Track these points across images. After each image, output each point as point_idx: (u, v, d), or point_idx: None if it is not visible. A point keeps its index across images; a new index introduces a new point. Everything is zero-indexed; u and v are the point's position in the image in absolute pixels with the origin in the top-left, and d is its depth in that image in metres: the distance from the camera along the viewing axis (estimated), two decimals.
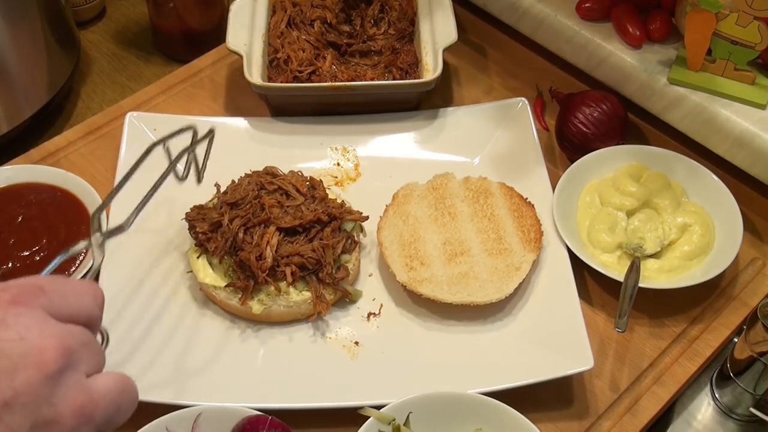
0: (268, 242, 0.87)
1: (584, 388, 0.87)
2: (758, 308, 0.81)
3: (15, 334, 0.44)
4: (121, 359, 0.84)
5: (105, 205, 0.74)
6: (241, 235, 0.88)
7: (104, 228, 0.73)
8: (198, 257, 0.89)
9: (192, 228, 0.90)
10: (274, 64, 1.09)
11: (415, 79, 1.08)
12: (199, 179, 0.91)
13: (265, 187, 0.92)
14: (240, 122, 1.07)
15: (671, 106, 1.02)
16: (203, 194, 0.94)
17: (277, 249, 0.87)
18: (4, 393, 0.42)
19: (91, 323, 0.50)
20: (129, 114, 1.05)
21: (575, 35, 1.08)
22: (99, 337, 0.56)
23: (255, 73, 1.03)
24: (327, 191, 0.94)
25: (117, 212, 0.92)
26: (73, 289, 0.50)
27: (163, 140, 0.83)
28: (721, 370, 0.91)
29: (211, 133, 0.90)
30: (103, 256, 0.72)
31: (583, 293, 0.93)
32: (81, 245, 0.71)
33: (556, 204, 0.96)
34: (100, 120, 1.10)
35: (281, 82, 1.06)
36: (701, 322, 0.93)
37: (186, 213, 0.91)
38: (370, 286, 0.93)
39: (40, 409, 0.44)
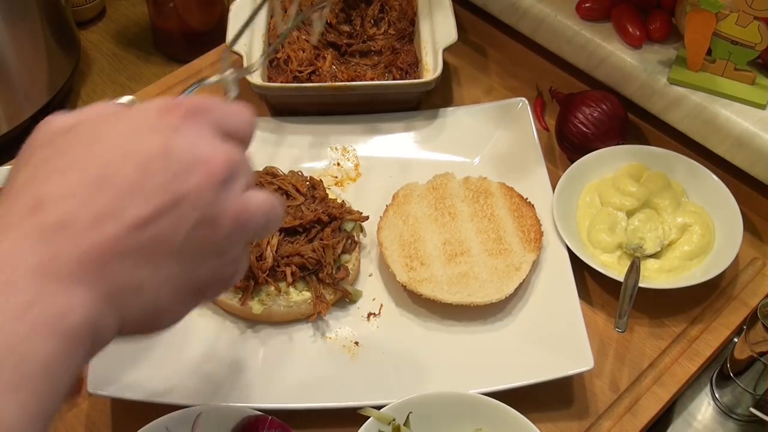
0: (268, 242, 0.87)
1: (584, 388, 0.87)
2: (758, 308, 0.81)
3: (188, 142, 0.49)
4: (122, 359, 0.84)
5: (231, 45, 0.78)
6: None
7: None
8: None
9: None
10: (274, 64, 1.09)
11: (415, 79, 1.08)
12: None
13: (264, 187, 0.92)
14: None
15: (671, 106, 1.02)
16: None
17: (277, 249, 0.87)
18: (177, 191, 0.48)
19: (246, 143, 0.55)
20: None
21: (575, 35, 1.08)
22: None
23: (255, 73, 1.03)
24: (327, 191, 0.94)
25: None
26: (233, 110, 0.54)
27: None
28: (721, 370, 0.91)
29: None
30: (238, 92, 0.75)
31: (583, 293, 0.93)
32: (213, 78, 0.76)
33: (556, 204, 0.96)
34: None
35: (281, 82, 1.06)
36: (701, 322, 0.93)
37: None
38: (370, 286, 0.93)
39: (205, 210, 0.49)
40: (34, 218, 0.45)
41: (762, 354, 0.83)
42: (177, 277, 0.50)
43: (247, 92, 1.08)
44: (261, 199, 0.53)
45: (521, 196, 0.97)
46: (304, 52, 1.08)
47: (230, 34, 1.07)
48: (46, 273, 0.44)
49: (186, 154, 0.49)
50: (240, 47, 1.06)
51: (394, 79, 1.08)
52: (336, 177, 1.03)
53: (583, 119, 1.02)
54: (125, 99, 0.75)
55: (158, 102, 0.50)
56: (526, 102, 1.06)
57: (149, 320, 0.52)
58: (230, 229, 0.51)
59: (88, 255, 0.45)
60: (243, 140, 0.54)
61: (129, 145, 0.48)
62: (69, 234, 0.45)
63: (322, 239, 0.89)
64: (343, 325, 0.90)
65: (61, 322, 0.44)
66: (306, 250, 0.87)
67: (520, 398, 0.80)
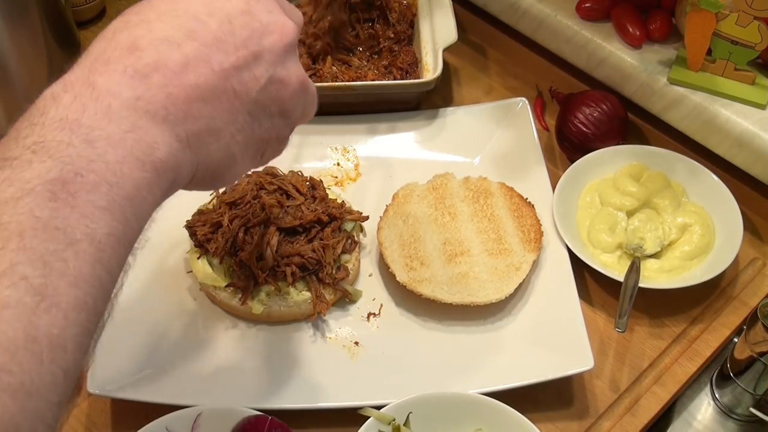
0: (268, 242, 0.87)
1: (584, 388, 0.87)
2: (758, 308, 0.81)
3: (265, 7, 0.56)
4: (122, 359, 0.84)
5: None
6: (241, 235, 0.88)
7: None
8: (198, 258, 0.89)
9: (193, 234, 0.90)
10: None
11: (415, 79, 1.08)
12: None
13: (264, 187, 0.92)
14: None
15: (671, 106, 1.02)
16: (204, 195, 0.94)
17: (277, 249, 0.87)
18: (256, 47, 0.54)
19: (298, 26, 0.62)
20: None
21: (575, 35, 1.08)
22: None
23: None
24: (327, 191, 0.94)
25: None
26: (290, 7, 0.62)
27: None
28: (721, 370, 0.91)
29: None
30: None
31: (583, 293, 0.93)
32: None
33: (556, 204, 0.96)
34: None
35: None
36: (701, 322, 0.93)
37: (186, 221, 0.91)
38: (370, 286, 0.93)
39: (277, 68, 0.56)
40: (129, 57, 0.50)
41: (762, 354, 0.83)
42: (249, 127, 0.56)
43: None
44: (312, 85, 0.61)
45: (521, 196, 0.97)
46: (300, 57, 1.08)
47: None
48: (138, 108, 0.49)
49: (264, 15, 0.56)
50: None
51: (394, 79, 1.08)
52: (336, 177, 1.03)
53: (583, 119, 1.02)
54: None
55: None
56: (526, 102, 1.06)
57: (220, 168, 0.56)
58: (295, 90, 0.58)
59: (175, 97, 0.50)
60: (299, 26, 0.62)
61: (214, 3, 0.54)
62: (160, 75, 0.50)
63: (322, 239, 0.89)
64: (343, 325, 0.90)
65: (150, 154, 0.48)
66: (306, 250, 0.87)
67: (520, 398, 0.80)
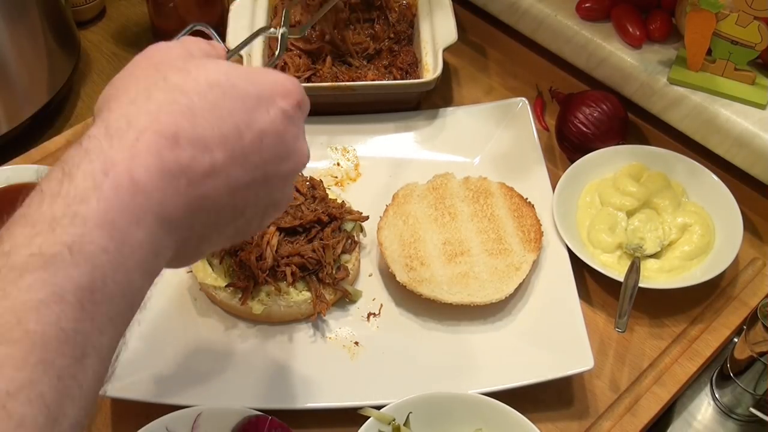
0: (268, 242, 0.87)
1: (584, 388, 0.87)
2: (758, 308, 0.81)
3: (295, 132, 0.58)
4: (122, 359, 0.83)
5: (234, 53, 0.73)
6: None
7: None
8: None
9: None
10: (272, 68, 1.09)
11: (415, 79, 1.08)
12: None
13: None
14: None
15: (671, 106, 1.02)
16: None
17: (277, 249, 0.87)
18: (271, 172, 0.55)
19: None
20: None
21: (575, 35, 1.08)
22: None
23: None
24: (327, 191, 0.94)
25: None
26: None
27: None
28: (721, 370, 0.91)
29: None
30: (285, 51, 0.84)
31: (583, 293, 0.93)
32: (271, 30, 0.83)
33: (556, 204, 0.96)
34: None
35: None
36: (701, 322, 0.93)
37: None
38: (370, 286, 0.93)
39: (276, 192, 0.58)
40: (169, 152, 0.48)
41: (762, 354, 0.83)
42: (232, 235, 0.57)
43: None
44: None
45: (521, 196, 0.97)
46: (300, 58, 1.08)
47: (230, 35, 1.07)
48: (160, 215, 0.48)
49: (291, 142, 0.57)
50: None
51: (394, 79, 1.08)
52: (336, 177, 1.03)
53: (583, 119, 1.02)
54: (271, 30, 0.84)
55: (282, 77, 0.57)
56: (526, 102, 1.06)
57: (191, 257, 0.57)
58: (281, 209, 0.62)
59: (189, 205, 0.50)
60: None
61: (254, 114, 0.53)
62: (186, 180, 0.49)
63: (322, 239, 0.89)
64: (343, 325, 0.90)
65: (155, 264, 0.50)
66: (306, 250, 0.87)
67: (520, 398, 0.80)
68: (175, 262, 0.54)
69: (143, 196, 0.46)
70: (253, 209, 0.55)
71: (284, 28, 0.79)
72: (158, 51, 0.57)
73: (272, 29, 0.79)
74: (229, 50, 0.65)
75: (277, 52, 0.79)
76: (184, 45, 0.58)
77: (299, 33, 0.98)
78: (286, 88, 0.55)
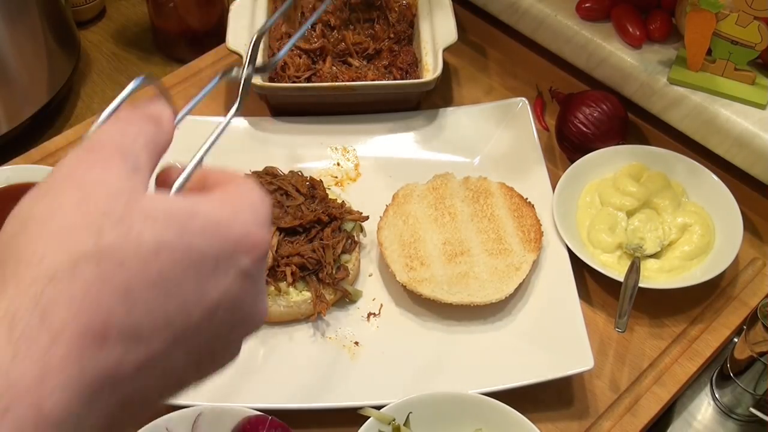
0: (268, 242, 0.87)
1: (584, 388, 0.87)
2: (758, 308, 0.81)
3: (255, 289, 0.44)
4: None
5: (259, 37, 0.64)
6: None
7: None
8: None
9: None
10: (271, 68, 1.09)
11: (415, 79, 1.08)
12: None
13: (264, 187, 0.92)
14: (240, 122, 1.06)
15: (671, 106, 1.02)
16: None
17: (277, 249, 0.87)
18: (220, 347, 0.43)
19: None
20: None
21: (575, 35, 1.08)
22: None
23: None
24: (327, 191, 0.94)
25: None
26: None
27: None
28: (721, 370, 0.91)
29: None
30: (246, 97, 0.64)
31: (583, 293, 0.93)
32: (234, 71, 0.63)
33: (556, 204, 0.96)
34: None
35: None
36: (701, 322, 0.93)
37: None
38: (370, 286, 0.93)
39: (234, 350, 0.46)
40: (91, 356, 0.36)
41: (762, 354, 0.83)
42: (187, 373, 0.44)
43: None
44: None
45: (521, 196, 0.97)
46: (300, 57, 1.08)
47: (230, 35, 1.07)
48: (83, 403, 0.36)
49: (249, 303, 0.43)
50: (240, 47, 1.06)
51: (394, 79, 1.08)
52: (336, 177, 1.03)
53: (583, 119, 1.02)
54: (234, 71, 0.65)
55: (242, 226, 0.42)
56: (526, 102, 1.06)
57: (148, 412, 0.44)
58: (257, 321, 0.47)
59: (111, 415, 0.38)
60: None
61: (207, 284, 0.40)
62: (109, 390, 0.37)
63: (322, 239, 0.89)
64: (343, 325, 0.90)
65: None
66: (306, 250, 0.87)
67: (520, 398, 0.80)
68: None
69: (53, 430, 0.35)
70: (193, 378, 0.43)
71: (249, 69, 0.64)
72: (90, 171, 0.39)
73: (234, 70, 0.63)
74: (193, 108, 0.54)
75: (236, 104, 0.61)
76: (125, 147, 0.42)
77: (268, 68, 0.85)
78: (252, 242, 0.43)
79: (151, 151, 0.44)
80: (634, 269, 0.89)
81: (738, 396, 0.89)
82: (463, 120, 1.08)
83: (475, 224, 0.95)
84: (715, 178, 0.99)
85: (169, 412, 0.77)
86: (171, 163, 0.47)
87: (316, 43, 1.09)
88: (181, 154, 0.47)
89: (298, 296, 0.87)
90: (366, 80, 1.07)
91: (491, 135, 1.06)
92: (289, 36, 1.09)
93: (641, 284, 0.88)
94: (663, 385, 0.87)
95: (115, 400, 0.38)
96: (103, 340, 0.36)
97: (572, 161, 1.01)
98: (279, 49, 1.09)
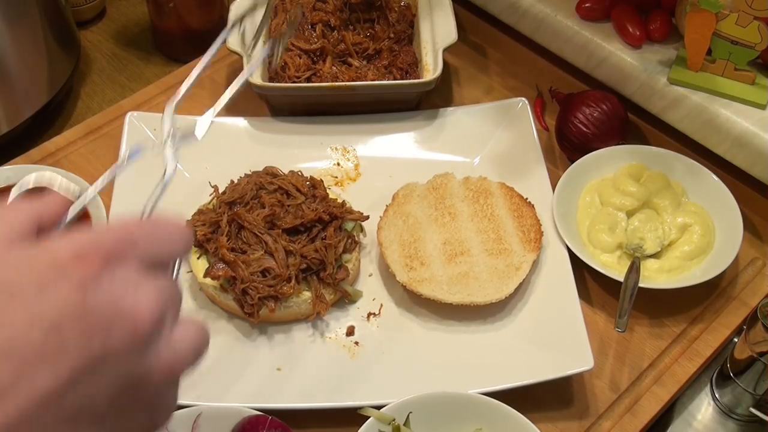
0: (274, 251, 0.87)
1: (584, 388, 0.87)
2: (758, 308, 0.81)
3: (108, 295, 0.41)
4: None
5: (179, 102, 0.60)
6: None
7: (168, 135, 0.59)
8: (198, 258, 0.89)
9: (192, 234, 0.90)
10: (271, 69, 1.09)
11: (415, 79, 1.08)
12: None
13: (264, 187, 0.92)
14: (240, 122, 1.07)
15: (671, 106, 1.02)
16: (205, 195, 0.95)
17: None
18: (94, 355, 0.41)
19: (178, 262, 0.50)
20: (129, 114, 1.05)
21: (575, 35, 1.08)
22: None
23: (255, 74, 1.03)
24: (327, 191, 0.94)
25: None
26: (164, 236, 0.47)
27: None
28: (721, 370, 0.91)
29: None
30: (175, 167, 0.58)
31: (583, 293, 0.93)
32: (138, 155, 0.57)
33: (556, 204, 0.96)
34: (100, 120, 1.10)
35: None
36: (701, 322, 0.93)
37: (186, 221, 0.91)
38: (370, 286, 0.93)
39: (130, 371, 0.43)
40: None
41: (762, 354, 0.83)
42: None
43: (247, 92, 1.09)
44: (190, 335, 0.47)
45: (521, 196, 0.97)
46: (300, 57, 1.08)
47: (231, 35, 1.07)
48: None
49: (105, 309, 0.41)
50: (240, 47, 1.06)
51: (394, 79, 1.08)
52: (336, 177, 1.03)
53: (583, 119, 1.02)
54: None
55: (71, 244, 0.41)
56: (526, 102, 1.06)
57: None
58: (162, 383, 0.45)
59: None
60: (173, 261, 0.49)
61: (37, 306, 0.40)
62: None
63: (324, 239, 0.89)
64: (343, 325, 0.90)
65: None
66: (308, 251, 0.87)
67: (520, 398, 0.80)
68: None
69: None
70: (108, 400, 0.42)
71: (170, 139, 0.58)
72: None
73: (167, 136, 0.58)
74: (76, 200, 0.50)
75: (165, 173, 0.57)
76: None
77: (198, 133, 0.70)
78: (80, 247, 0.41)
79: (33, 219, 0.44)
80: (634, 269, 0.89)
81: (738, 396, 0.89)
82: (463, 120, 1.08)
83: (475, 224, 0.95)
84: (715, 178, 0.99)
85: None
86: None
87: (316, 43, 1.09)
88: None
89: (298, 296, 0.87)
90: (366, 80, 1.07)
91: (491, 135, 1.06)
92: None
93: (641, 284, 0.88)
94: (663, 385, 0.87)
95: None
96: None
97: (572, 161, 1.01)
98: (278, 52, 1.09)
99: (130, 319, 0.42)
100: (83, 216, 0.94)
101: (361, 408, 0.77)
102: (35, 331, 0.39)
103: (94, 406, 0.41)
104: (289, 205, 0.90)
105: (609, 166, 1.01)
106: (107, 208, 0.95)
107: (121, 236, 0.43)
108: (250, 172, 0.95)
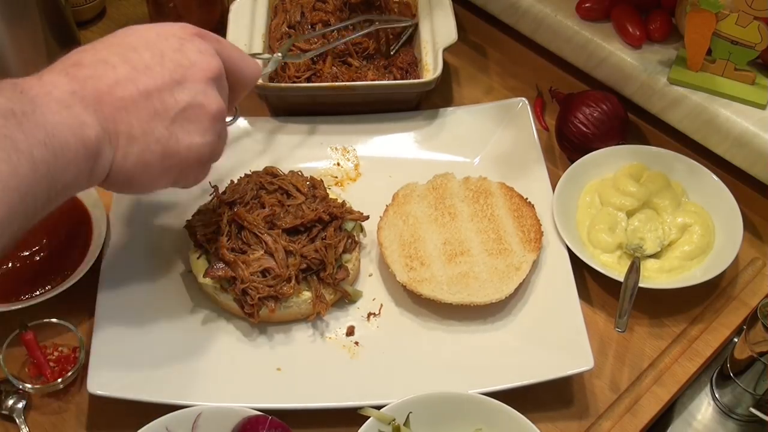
0: (274, 251, 0.87)
1: (584, 388, 0.87)
2: (758, 308, 0.81)
3: (195, 49, 0.71)
4: (122, 359, 0.84)
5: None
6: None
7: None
8: (198, 258, 0.89)
9: (193, 234, 0.90)
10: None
11: (415, 78, 1.08)
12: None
13: (264, 187, 0.92)
14: (240, 122, 1.06)
15: (671, 106, 1.02)
16: (204, 195, 0.95)
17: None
18: (179, 76, 0.68)
19: (240, 87, 0.78)
20: None
21: (575, 35, 1.08)
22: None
23: None
24: (327, 191, 0.94)
25: None
26: (242, 55, 0.78)
27: None
28: (721, 370, 0.91)
29: None
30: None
31: (583, 293, 0.93)
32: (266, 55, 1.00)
33: (556, 204, 0.96)
34: None
35: None
36: (701, 322, 0.93)
37: (186, 221, 0.91)
38: (370, 286, 0.93)
39: (197, 95, 0.69)
40: (72, 68, 0.65)
41: (762, 354, 0.83)
42: (166, 140, 0.68)
43: None
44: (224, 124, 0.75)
45: (521, 196, 0.97)
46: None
47: (230, 35, 1.07)
48: (74, 96, 0.63)
49: (192, 54, 0.70)
50: (240, 47, 1.05)
51: (394, 79, 1.08)
52: (336, 177, 1.03)
53: (583, 119, 1.02)
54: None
55: (181, 24, 0.72)
56: (526, 102, 1.06)
57: (135, 173, 0.68)
58: (213, 116, 0.71)
59: (105, 98, 0.64)
60: (239, 82, 0.77)
61: (153, 40, 0.69)
62: (94, 83, 0.64)
63: (324, 239, 0.89)
64: (343, 326, 0.90)
65: (81, 130, 0.62)
66: (309, 251, 0.87)
67: (520, 398, 0.80)
68: (119, 172, 0.66)
69: (50, 85, 0.63)
70: (177, 111, 0.68)
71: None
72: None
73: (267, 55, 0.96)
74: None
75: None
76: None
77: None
78: (186, 26, 0.73)
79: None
80: (634, 269, 0.89)
81: (738, 396, 0.89)
82: (463, 120, 1.08)
83: (475, 224, 0.95)
84: (715, 178, 0.99)
85: (169, 412, 0.77)
86: None
87: (316, 43, 1.09)
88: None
89: (299, 296, 0.87)
90: (366, 80, 1.07)
91: (491, 135, 1.06)
92: (290, 36, 1.09)
93: (641, 284, 0.88)
94: (663, 385, 0.87)
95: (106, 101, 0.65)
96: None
97: (572, 161, 1.01)
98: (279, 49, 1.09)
99: (206, 65, 0.70)
100: (83, 215, 0.95)
101: (361, 408, 0.77)
102: (147, 53, 0.68)
103: (167, 110, 0.67)
104: (289, 205, 0.90)
105: (609, 166, 1.01)
106: (107, 208, 0.95)
107: (210, 33, 0.74)
108: (250, 172, 0.95)
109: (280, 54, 1.01)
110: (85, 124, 0.62)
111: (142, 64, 0.67)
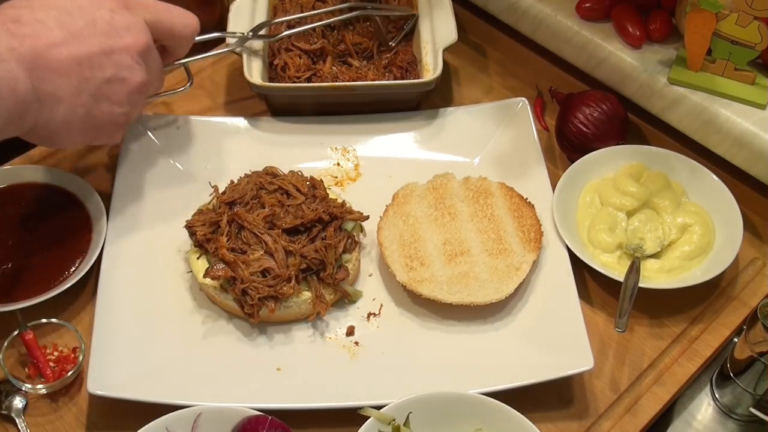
0: (274, 250, 0.87)
1: (584, 388, 0.87)
2: (758, 308, 0.81)
3: (127, 20, 0.79)
4: (122, 359, 0.84)
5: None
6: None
7: None
8: (198, 258, 0.89)
9: (193, 234, 0.90)
10: (272, 68, 1.09)
11: (414, 78, 1.08)
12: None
13: (264, 187, 0.92)
14: (240, 122, 1.07)
15: (671, 106, 1.02)
16: (205, 195, 0.95)
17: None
18: (107, 47, 0.77)
19: (176, 43, 0.88)
20: None
21: (575, 35, 1.08)
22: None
23: (255, 74, 1.03)
24: (327, 191, 0.94)
25: None
26: (171, 15, 0.85)
27: None
28: (721, 370, 0.91)
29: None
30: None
31: (583, 293, 0.93)
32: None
33: (556, 204, 0.96)
34: None
35: None
36: (701, 322, 0.93)
37: (186, 221, 0.91)
38: (370, 286, 0.93)
39: (122, 69, 0.78)
40: (12, 24, 0.71)
41: (762, 354, 0.83)
42: (89, 105, 0.77)
43: (247, 92, 1.09)
44: (159, 71, 0.86)
45: (521, 196, 0.97)
46: (300, 58, 1.08)
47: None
48: (12, 53, 0.70)
49: (121, 27, 0.77)
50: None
51: (394, 78, 1.08)
52: (336, 177, 1.03)
53: (583, 119, 1.02)
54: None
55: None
56: (526, 102, 1.06)
57: (58, 130, 0.77)
58: (132, 90, 0.80)
59: (40, 59, 0.71)
60: (172, 39, 0.86)
61: (86, 7, 0.76)
62: (32, 42, 0.71)
63: (324, 239, 0.89)
64: (343, 326, 0.90)
65: (14, 83, 0.70)
66: (309, 251, 0.87)
67: (520, 398, 0.80)
68: (45, 127, 0.75)
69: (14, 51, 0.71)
70: (101, 81, 0.76)
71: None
72: None
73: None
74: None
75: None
76: None
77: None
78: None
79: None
80: (634, 269, 0.89)
81: (738, 396, 0.89)
82: (463, 120, 1.08)
83: (475, 224, 0.95)
84: (715, 178, 0.99)
85: (169, 412, 0.77)
86: None
87: (316, 43, 1.09)
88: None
89: (299, 296, 0.87)
90: (366, 80, 1.07)
91: (491, 135, 1.06)
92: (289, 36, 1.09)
93: (641, 284, 0.88)
94: (663, 385, 0.87)
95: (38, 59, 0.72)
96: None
97: (572, 161, 1.01)
98: (278, 49, 1.09)
99: (134, 38, 0.78)
100: (82, 215, 0.94)
101: (361, 408, 0.77)
102: (81, 19, 0.76)
103: (93, 78, 0.76)
104: (289, 205, 0.90)
105: (609, 166, 1.01)
106: (107, 208, 0.95)
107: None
108: (250, 172, 0.95)
109: (250, 33, 1.05)
110: (18, 79, 0.69)
111: (76, 29, 0.74)
